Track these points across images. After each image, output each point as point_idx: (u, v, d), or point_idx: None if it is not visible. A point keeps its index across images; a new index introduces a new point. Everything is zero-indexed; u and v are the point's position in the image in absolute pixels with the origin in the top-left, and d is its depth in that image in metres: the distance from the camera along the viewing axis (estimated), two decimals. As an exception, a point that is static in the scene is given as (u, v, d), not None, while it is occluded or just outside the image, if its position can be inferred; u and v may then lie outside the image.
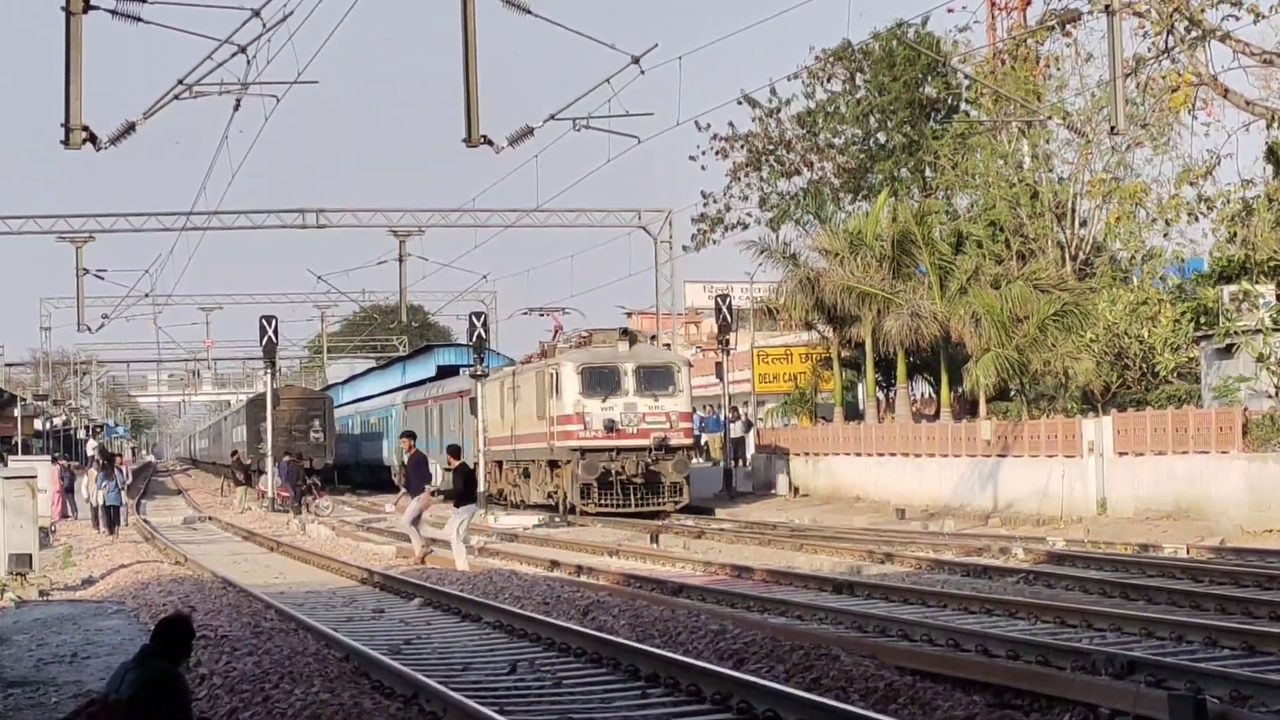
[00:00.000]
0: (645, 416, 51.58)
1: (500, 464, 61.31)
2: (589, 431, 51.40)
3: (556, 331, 58.95)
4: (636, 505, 50.85)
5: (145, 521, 53.50)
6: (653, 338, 58.62)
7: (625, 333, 54.61)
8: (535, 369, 55.78)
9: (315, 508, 60.85)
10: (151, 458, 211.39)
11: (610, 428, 51.24)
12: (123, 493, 54.66)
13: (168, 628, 11.25)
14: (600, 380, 52.02)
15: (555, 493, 53.92)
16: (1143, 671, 15.62)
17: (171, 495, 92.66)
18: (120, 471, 56.16)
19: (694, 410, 55.55)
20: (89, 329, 71.26)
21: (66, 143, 26.60)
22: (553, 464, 53.90)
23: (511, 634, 21.23)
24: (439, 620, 23.80)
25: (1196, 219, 51.45)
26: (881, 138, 74.15)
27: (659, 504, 51.13)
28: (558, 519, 50.52)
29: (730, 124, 76.28)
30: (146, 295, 76.37)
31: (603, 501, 50.89)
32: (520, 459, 58.21)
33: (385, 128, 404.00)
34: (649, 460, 51.06)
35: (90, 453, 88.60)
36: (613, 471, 50.99)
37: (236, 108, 33.37)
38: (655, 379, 52.36)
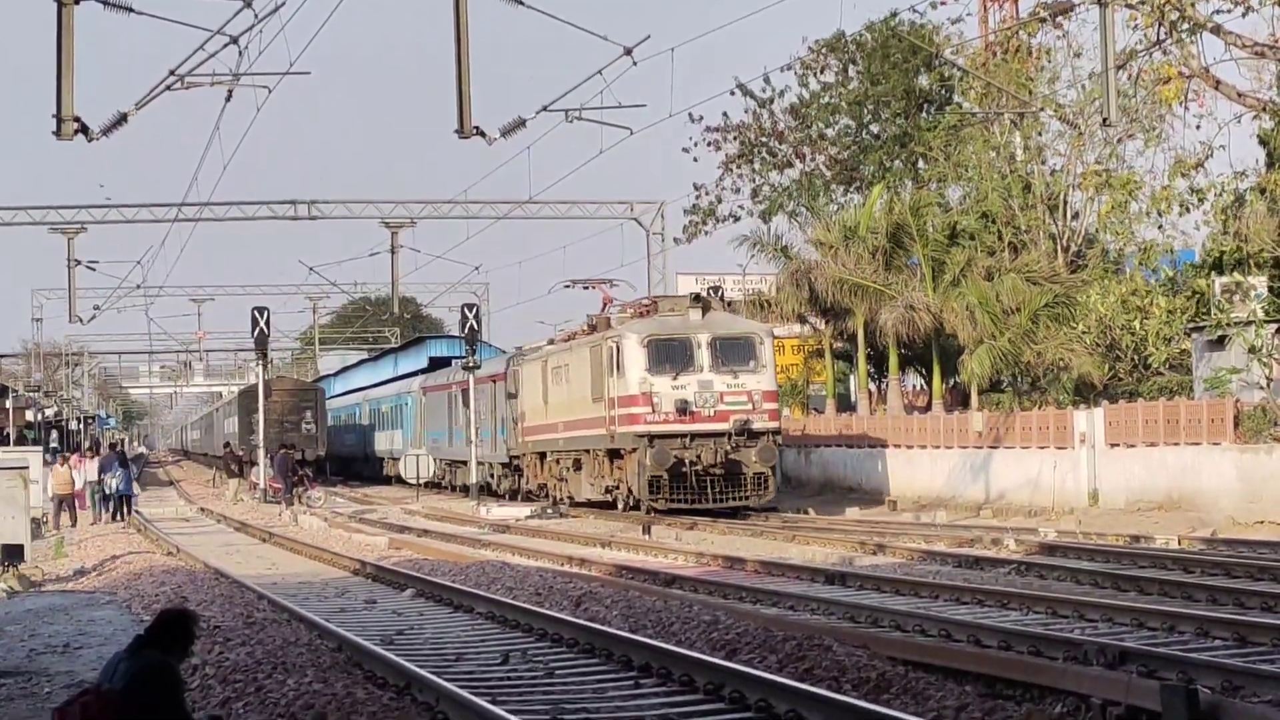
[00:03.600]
0: (723, 396, 44.57)
1: (542, 456, 54.24)
2: (658, 415, 44.45)
3: (605, 304, 52.48)
4: (714, 500, 44.26)
5: (137, 513, 53.43)
6: (729, 304, 51.61)
7: (697, 298, 46.93)
8: (589, 344, 48.43)
9: (307, 499, 60.90)
10: (144, 449, 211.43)
11: (683, 410, 44.26)
12: (135, 483, 55.40)
13: (167, 620, 11.21)
14: (670, 354, 45.00)
15: (615, 487, 47.09)
16: (1134, 662, 15.64)
17: (164, 486, 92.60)
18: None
19: (779, 389, 49.29)
20: (80, 320, 71.47)
21: (58, 133, 26.63)
22: (613, 454, 46.86)
23: (504, 625, 21.25)
24: (431, 611, 23.80)
25: (1188, 210, 51.54)
26: (874, 129, 74.26)
27: (741, 498, 44.53)
28: (549, 509, 50.14)
29: (724, 114, 76.47)
30: (138, 286, 76.45)
31: (674, 496, 44.05)
32: (569, 449, 50.88)
33: (377, 119, 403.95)
34: (729, 448, 44.10)
35: (54, 444, 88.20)
36: (686, 461, 44.01)
37: (228, 98, 33.38)
38: (734, 352, 45.23)
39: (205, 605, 22.94)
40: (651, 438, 44.19)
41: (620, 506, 46.49)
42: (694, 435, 44.18)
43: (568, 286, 55.60)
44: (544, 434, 53.28)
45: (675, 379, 44.58)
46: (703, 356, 44.85)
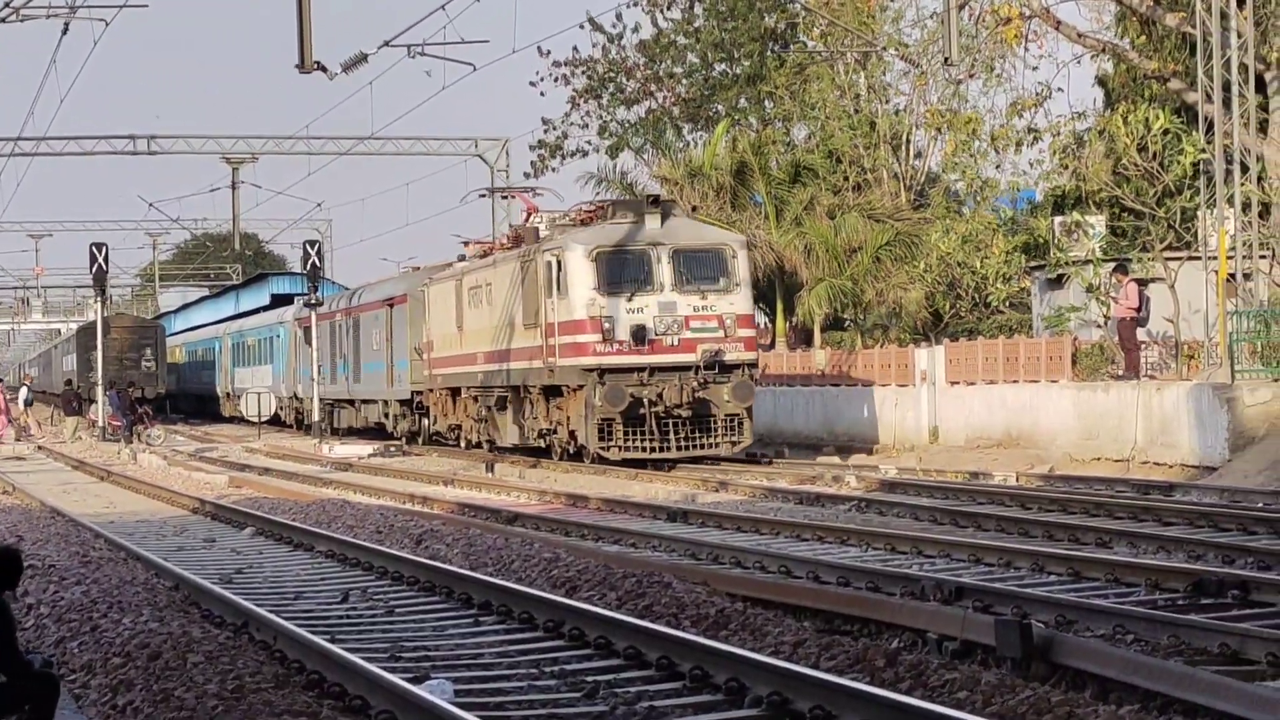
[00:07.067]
0: (689, 321, 37.19)
1: (455, 392, 46.76)
2: (610, 344, 36.89)
3: (529, 214, 44.42)
4: (680, 448, 37.12)
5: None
6: (694, 207, 44.66)
7: (655, 201, 39.32)
8: (519, 258, 40.56)
9: (147, 437, 60.32)
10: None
11: (640, 338, 36.82)
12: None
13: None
14: (623, 270, 37.47)
15: (552, 431, 39.83)
16: (971, 597, 15.78)
17: None
18: None
19: (755, 313, 43.26)
20: (-86, 255, 70.15)
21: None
22: (551, 391, 39.43)
23: (344, 563, 21.13)
24: (271, 550, 23.64)
25: (1022, 150, 52.06)
26: (721, 68, 74.21)
27: (710, 444, 37.24)
28: (393, 447, 49.78)
29: (574, 48, 76.14)
30: (-27, 221, 75.18)
31: (630, 443, 36.90)
32: (492, 384, 42.99)
33: (217, 53, 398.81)
34: (696, 384, 36.59)
35: None
36: (645, 401, 36.67)
37: (64, 31, 32.90)
38: (701, 267, 37.84)
39: (41, 544, 22.65)
40: (602, 372, 36.99)
41: (557, 454, 39.94)
42: (654, 369, 36.96)
43: (483, 195, 50.87)
44: (458, 366, 45.94)
45: (630, 300, 37.20)
46: (663, 273, 37.51)
